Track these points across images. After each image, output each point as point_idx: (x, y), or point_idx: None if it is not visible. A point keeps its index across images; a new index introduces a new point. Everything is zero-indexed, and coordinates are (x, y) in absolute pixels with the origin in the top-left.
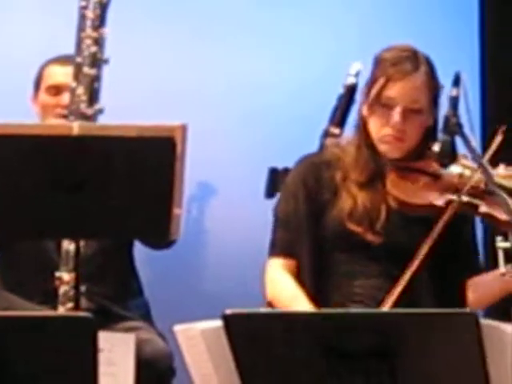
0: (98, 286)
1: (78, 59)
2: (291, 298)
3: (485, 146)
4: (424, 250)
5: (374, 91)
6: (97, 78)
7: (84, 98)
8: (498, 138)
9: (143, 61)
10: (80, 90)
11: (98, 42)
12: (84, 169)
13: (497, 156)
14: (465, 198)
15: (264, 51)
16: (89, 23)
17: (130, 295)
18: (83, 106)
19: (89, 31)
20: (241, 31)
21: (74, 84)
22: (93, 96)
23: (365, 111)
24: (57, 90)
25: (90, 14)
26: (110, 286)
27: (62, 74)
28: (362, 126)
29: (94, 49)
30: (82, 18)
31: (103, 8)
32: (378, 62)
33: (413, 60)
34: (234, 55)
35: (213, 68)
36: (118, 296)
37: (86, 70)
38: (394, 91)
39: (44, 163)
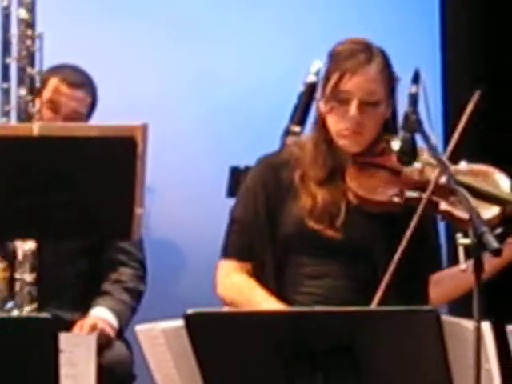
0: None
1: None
2: (245, 289)
3: (446, 144)
4: (400, 250)
5: (329, 86)
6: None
7: (29, 98)
8: (472, 103)
9: (102, 60)
10: (23, 91)
11: (35, 40)
12: (45, 169)
13: (457, 151)
14: (425, 196)
15: (225, 49)
16: (22, 24)
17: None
18: (30, 106)
19: (24, 31)
20: (202, 29)
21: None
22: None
23: (322, 107)
24: (58, 108)
25: (22, 14)
26: (78, 298)
27: (70, 99)
28: (321, 123)
29: (33, 48)
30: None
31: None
32: (332, 56)
33: (366, 52)
34: (195, 53)
35: (173, 66)
36: (84, 307)
37: (29, 70)
38: (349, 85)
39: (5, 164)
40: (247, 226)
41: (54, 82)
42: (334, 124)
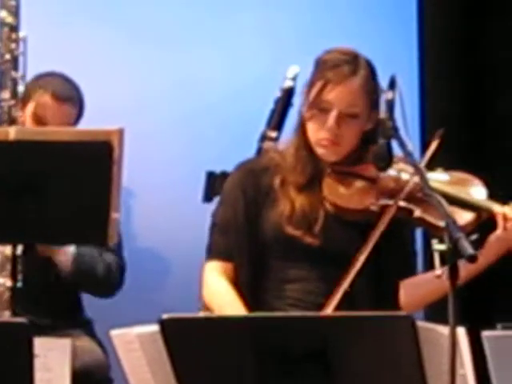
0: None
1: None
2: (225, 302)
3: (424, 150)
4: (363, 255)
5: (312, 94)
6: (22, 79)
7: (12, 102)
8: (435, 142)
9: (82, 63)
10: (5, 95)
11: (19, 43)
12: (21, 173)
13: (434, 159)
14: (401, 203)
15: (202, 54)
16: (5, 27)
17: (73, 311)
18: (13, 110)
19: (8, 34)
20: (178, 33)
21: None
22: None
23: (304, 113)
24: (44, 121)
25: (6, 17)
26: (52, 304)
27: (57, 114)
28: (301, 129)
29: (16, 51)
30: None
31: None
32: (318, 64)
33: (352, 64)
34: (171, 57)
35: (149, 70)
36: (59, 313)
37: (13, 73)
38: (331, 95)
39: None
40: (227, 227)
41: (40, 95)
42: (313, 132)
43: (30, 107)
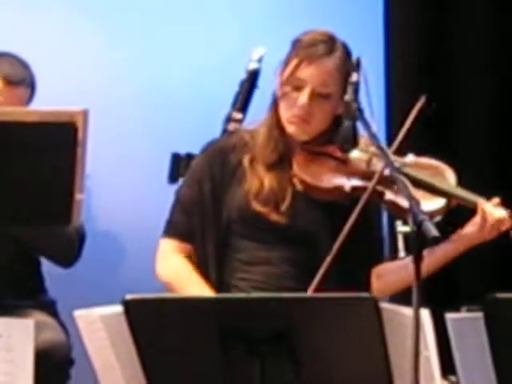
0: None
1: None
2: (191, 282)
3: (389, 132)
4: (341, 238)
5: (286, 72)
6: None
7: None
8: (418, 105)
9: (46, 47)
10: None
11: None
12: None
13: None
14: (372, 185)
15: (166, 34)
16: None
17: (35, 292)
18: None
19: None
20: (143, 13)
21: None
22: None
23: (277, 91)
24: None
25: None
26: (13, 283)
27: (8, 97)
28: (274, 108)
29: None
30: None
31: None
32: (294, 43)
33: (328, 44)
34: (135, 38)
35: (113, 50)
36: (21, 293)
37: None
38: (304, 73)
39: None
40: (191, 207)
41: None
42: (285, 110)
43: None
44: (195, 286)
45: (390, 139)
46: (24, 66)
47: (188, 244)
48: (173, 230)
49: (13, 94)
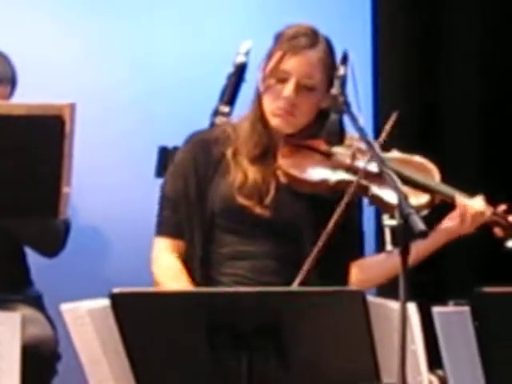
0: None
1: None
2: (169, 278)
3: (377, 126)
4: (328, 232)
5: (269, 65)
6: None
7: None
8: (391, 122)
9: (34, 37)
10: None
11: None
12: None
13: (390, 139)
14: (358, 180)
15: (154, 28)
16: None
17: (21, 285)
18: None
19: None
20: (131, 8)
21: None
22: None
23: (261, 86)
24: None
25: None
26: None
27: None
28: (258, 102)
29: None
30: None
31: None
32: (277, 37)
33: (310, 37)
34: (124, 31)
35: (102, 45)
36: (7, 286)
37: None
38: (288, 65)
39: None
40: (178, 203)
41: None
42: (269, 103)
43: None
44: (175, 282)
45: (377, 133)
46: (5, 61)
47: (180, 240)
48: (163, 228)
49: None
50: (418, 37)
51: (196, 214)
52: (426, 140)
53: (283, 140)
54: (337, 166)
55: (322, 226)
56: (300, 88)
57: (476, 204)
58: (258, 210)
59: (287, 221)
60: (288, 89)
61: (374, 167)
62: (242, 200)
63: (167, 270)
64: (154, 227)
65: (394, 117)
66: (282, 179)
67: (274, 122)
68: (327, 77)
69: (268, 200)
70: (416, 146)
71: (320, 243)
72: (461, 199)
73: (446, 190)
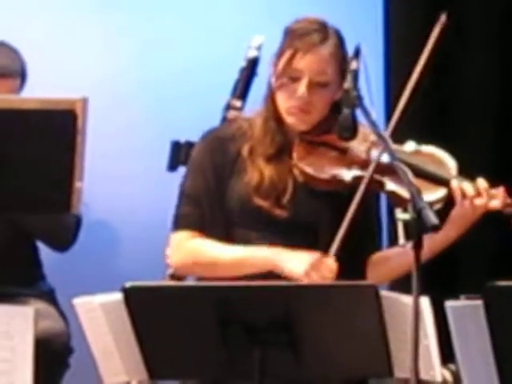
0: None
1: None
2: (212, 245)
3: (389, 119)
4: (343, 229)
5: (281, 63)
6: None
7: None
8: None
9: (42, 30)
10: None
11: None
12: None
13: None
14: (369, 175)
15: (168, 22)
16: None
17: (34, 279)
18: None
19: None
20: (142, 4)
21: None
22: None
23: (273, 83)
24: None
25: None
26: (12, 271)
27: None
28: (270, 98)
29: None
30: None
31: None
32: (287, 33)
33: (321, 32)
34: (137, 25)
35: (115, 38)
36: (20, 280)
37: None
38: (300, 63)
39: None
40: (199, 198)
41: None
42: (283, 101)
43: None
44: (219, 246)
45: (388, 118)
46: (14, 54)
47: (201, 234)
48: (183, 222)
49: (4, 85)
50: (431, 28)
51: (218, 208)
52: (439, 135)
53: (298, 137)
54: (352, 161)
55: (338, 222)
56: (313, 85)
57: (469, 187)
58: (275, 210)
59: (305, 220)
60: (302, 88)
61: (386, 159)
62: (258, 201)
63: (195, 246)
64: (172, 223)
65: (443, 18)
66: (299, 178)
67: (290, 120)
68: (340, 69)
69: (285, 199)
70: (428, 142)
71: (337, 239)
72: (454, 183)
73: (448, 178)
